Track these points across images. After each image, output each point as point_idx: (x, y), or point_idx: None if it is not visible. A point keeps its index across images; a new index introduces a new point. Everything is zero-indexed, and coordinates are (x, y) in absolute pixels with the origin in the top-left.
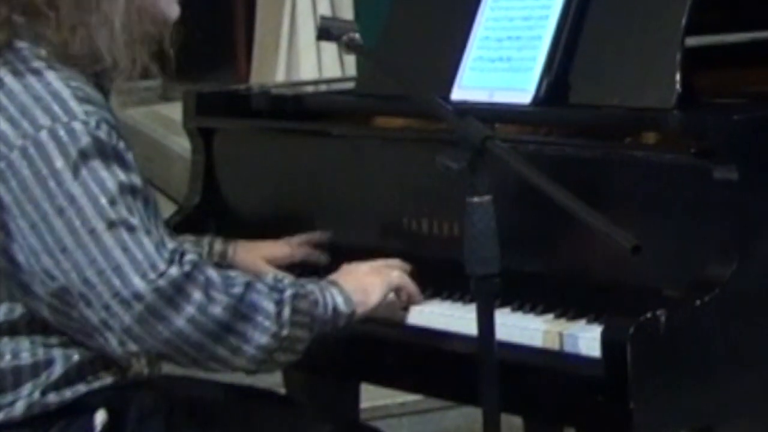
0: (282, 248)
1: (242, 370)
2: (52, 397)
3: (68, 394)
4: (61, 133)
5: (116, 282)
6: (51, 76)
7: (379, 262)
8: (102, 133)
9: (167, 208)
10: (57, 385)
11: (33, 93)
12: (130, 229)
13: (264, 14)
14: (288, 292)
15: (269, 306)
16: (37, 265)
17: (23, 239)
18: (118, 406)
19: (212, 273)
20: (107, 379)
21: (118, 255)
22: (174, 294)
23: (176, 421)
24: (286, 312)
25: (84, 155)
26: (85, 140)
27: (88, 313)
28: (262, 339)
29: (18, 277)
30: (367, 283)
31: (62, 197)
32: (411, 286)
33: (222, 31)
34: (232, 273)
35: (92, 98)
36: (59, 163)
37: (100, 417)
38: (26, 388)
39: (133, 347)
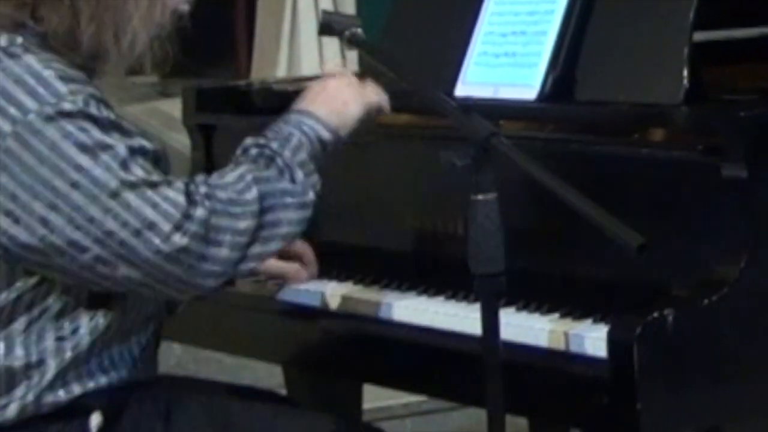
0: None
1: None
2: (46, 399)
3: (62, 395)
4: (52, 113)
5: (155, 239)
6: (30, 59)
7: (353, 83)
8: (93, 108)
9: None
10: (51, 386)
11: (14, 77)
12: (152, 185)
13: (265, 9)
14: (287, 157)
15: (285, 184)
16: (62, 241)
17: (41, 222)
18: (114, 409)
19: (222, 193)
20: (102, 379)
21: (150, 213)
22: (207, 232)
23: (174, 423)
24: (299, 175)
25: (82, 129)
26: (78, 116)
27: (131, 272)
28: (295, 214)
29: (32, 258)
30: (340, 106)
31: (73, 171)
32: (385, 101)
33: (222, 25)
34: (231, 175)
35: (75, 77)
36: (58, 140)
37: (96, 420)
38: (20, 390)
39: (192, 292)
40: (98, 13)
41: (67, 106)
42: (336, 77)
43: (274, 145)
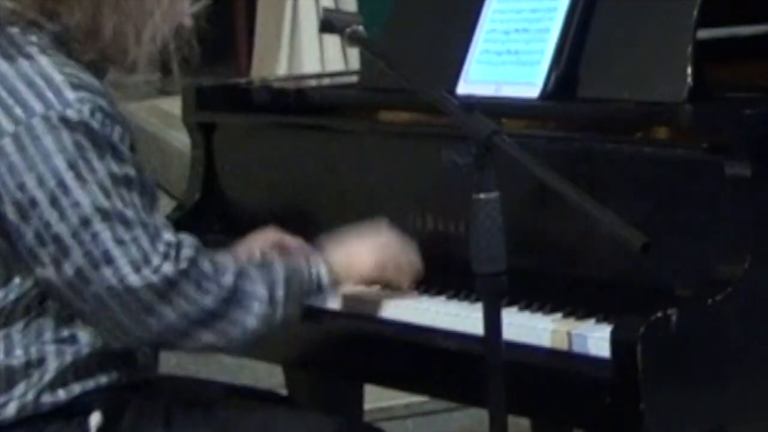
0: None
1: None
2: (46, 398)
3: (62, 394)
4: (55, 120)
5: (110, 275)
6: (44, 61)
7: (379, 240)
8: (95, 123)
9: (166, 205)
10: (51, 385)
11: (25, 78)
12: (125, 222)
13: (265, 6)
14: (279, 274)
15: (262, 291)
16: (26, 252)
17: (14, 227)
18: (114, 408)
19: (206, 266)
20: (102, 379)
21: (112, 248)
22: (167, 290)
23: (174, 424)
24: (279, 292)
25: (78, 145)
26: (78, 129)
27: (78, 301)
28: (253, 323)
29: (21, 258)
30: (354, 261)
31: (56, 186)
32: (404, 279)
33: (222, 23)
34: (223, 259)
35: (87, 84)
36: (52, 151)
37: (95, 419)
38: (19, 389)
39: (122, 338)
40: (120, 5)
41: (70, 114)
42: (369, 242)
43: (277, 263)
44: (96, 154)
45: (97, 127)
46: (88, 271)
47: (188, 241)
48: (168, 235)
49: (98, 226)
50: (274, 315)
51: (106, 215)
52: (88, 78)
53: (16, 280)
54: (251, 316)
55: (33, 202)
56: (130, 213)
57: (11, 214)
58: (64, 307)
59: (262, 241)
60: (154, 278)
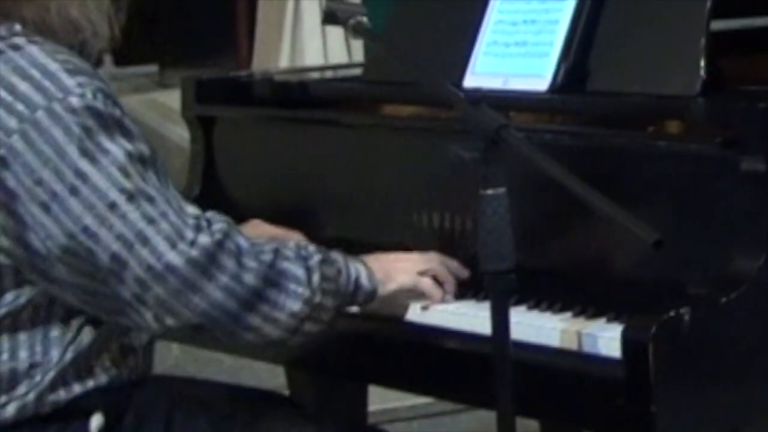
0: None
1: (275, 341)
2: (47, 399)
3: (63, 394)
4: (59, 110)
5: (147, 255)
6: (34, 50)
7: (422, 255)
8: (100, 104)
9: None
10: (52, 386)
11: (20, 71)
12: (150, 199)
13: None
14: (315, 258)
15: (299, 272)
16: (57, 249)
17: (39, 225)
18: (115, 409)
19: (242, 240)
20: (102, 378)
21: (144, 227)
22: (208, 263)
23: (175, 426)
24: (316, 278)
25: (86, 130)
26: (84, 114)
27: (119, 289)
28: (295, 305)
29: (36, 264)
30: (392, 269)
31: (73, 176)
32: (438, 294)
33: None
34: (260, 240)
35: (82, 69)
36: (63, 141)
37: (96, 421)
38: (20, 389)
39: (170, 321)
40: None
41: (74, 101)
42: (402, 256)
43: (312, 248)
44: (106, 134)
45: (102, 108)
46: (124, 255)
47: (219, 216)
48: (192, 209)
49: (125, 207)
50: (312, 299)
51: (130, 195)
52: (80, 62)
53: (26, 288)
54: (292, 299)
55: (54, 196)
56: (151, 190)
57: (35, 213)
58: (103, 302)
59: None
60: (193, 252)
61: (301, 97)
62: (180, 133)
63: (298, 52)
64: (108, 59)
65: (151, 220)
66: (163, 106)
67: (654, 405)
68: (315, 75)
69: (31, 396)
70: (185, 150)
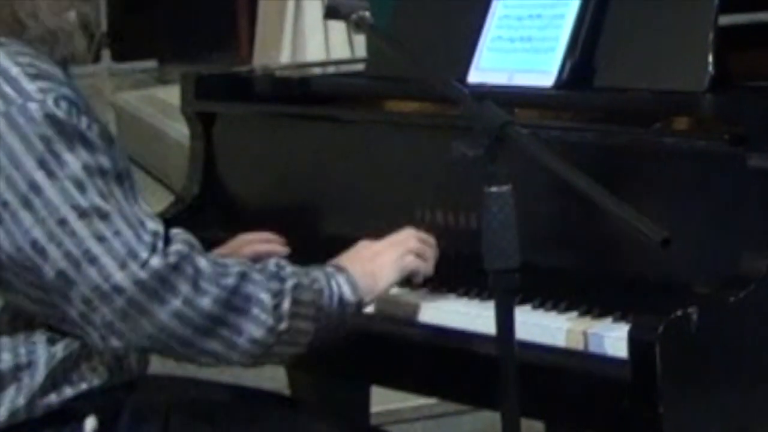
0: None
1: (238, 365)
2: (38, 403)
3: (54, 398)
4: (17, 117)
5: (94, 274)
6: None
7: (395, 238)
8: (61, 112)
9: (163, 199)
10: (42, 389)
11: None
12: (104, 216)
13: None
14: (289, 283)
15: (265, 297)
16: (6, 258)
17: None
18: (109, 412)
19: (203, 262)
20: (94, 380)
21: (93, 245)
22: (157, 287)
23: (174, 428)
24: (285, 304)
25: (45, 140)
26: (44, 123)
27: (66, 307)
28: (257, 332)
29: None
30: (376, 267)
31: (27, 188)
32: (425, 267)
33: (223, 8)
34: (228, 261)
35: (46, 73)
36: (20, 151)
37: (90, 424)
38: (9, 393)
39: (115, 343)
40: None
41: (33, 107)
42: (380, 245)
43: (290, 270)
44: (65, 145)
45: (62, 116)
46: (70, 273)
47: (181, 236)
48: (153, 225)
49: (75, 224)
50: (277, 326)
51: (82, 212)
52: (45, 65)
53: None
54: (254, 325)
55: (5, 205)
56: (108, 206)
57: None
58: (56, 314)
59: (243, 248)
60: (142, 274)
61: (303, 93)
62: (179, 130)
63: (300, 47)
64: (106, 54)
65: (101, 239)
66: (162, 102)
67: (661, 406)
68: (317, 70)
69: (22, 400)
70: (184, 147)
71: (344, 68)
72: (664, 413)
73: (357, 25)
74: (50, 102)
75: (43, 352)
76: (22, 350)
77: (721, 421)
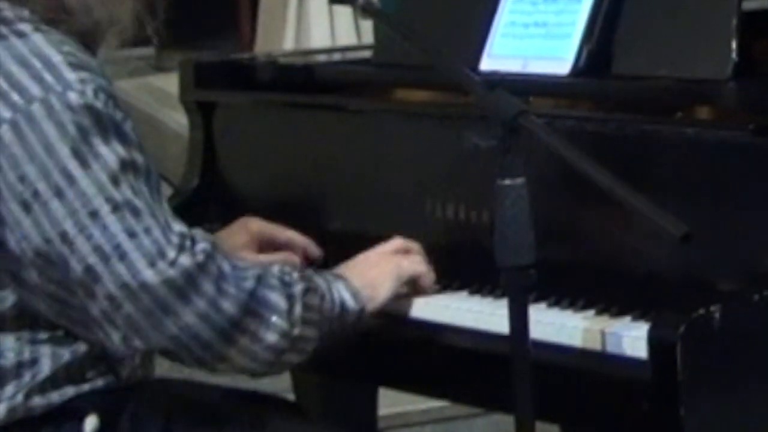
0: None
1: (250, 372)
2: (37, 401)
3: (55, 397)
4: (56, 105)
5: (123, 271)
6: (39, 39)
7: (388, 247)
8: (99, 103)
9: (162, 190)
10: (43, 387)
11: (20, 59)
12: (136, 212)
13: None
14: (298, 287)
15: (281, 302)
16: (31, 251)
17: (16, 224)
18: (110, 412)
19: (225, 264)
20: (98, 382)
21: (124, 241)
22: (185, 286)
23: (175, 430)
24: (298, 309)
25: (82, 130)
26: (82, 113)
27: (89, 303)
28: (273, 338)
29: (8, 265)
30: (374, 276)
31: (60, 177)
32: (423, 274)
33: None
34: (242, 263)
35: (86, 64)
36: (55, 139)
37: (90, 423)
38: (8, 390)
39: (137, 343)
40: None
41: (73, 97)
42: (376, 255)
43: (296, 276)
44: (101, 137)
45: (101, 108)
46: (99, 268)
47: (202, 235)
48: (179, 227)
49: (108, 218)
50: (291, 332)
51: (115, 205)
52: (85, 56)
53: (7, 290)
54: (270, 331)
55: (36, 195)
56: (139, 202)
57: (14, 210)
58: (70, 313)
59: (242, 235)
60: (172, 272)
61: (307, 81)
62: (178, 120)
63: (304, 33)
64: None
65: (132, 234)
66: (159, 91)
67: (682, 409)
68: (322, 58)
69: (20, 398)
70: (183, 138)
71: (350, 55)
72: (686, 416)
73: (364, 10)
74: (90, 92)
75: (48, 352)
76: (26, 348)
77: (744, 425)
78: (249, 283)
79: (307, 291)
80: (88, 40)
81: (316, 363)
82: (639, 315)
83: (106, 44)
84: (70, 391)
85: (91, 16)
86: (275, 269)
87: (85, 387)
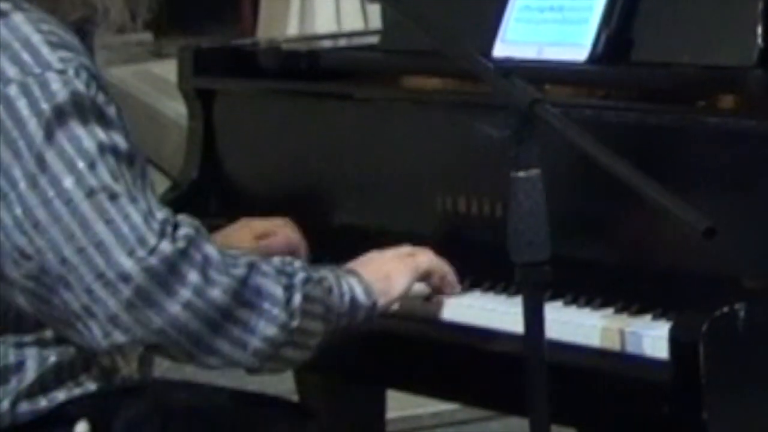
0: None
1: (245, 367)
2: (24, 407)
3: (43, 403)
4: (33, 86)
5: (99, 261)
6: (18, 18)
7: (405, 249)
8: (80, 84)
9: (159, 183)
10: (30, 393)
11: None
12: (113, 197)
13: None
14: (298, 276)
15: (277, 291)
16: (8, 243)
17: None
18: (102, 417)
19: (211, 250)
20: (90, 386)
21: (101, 229)
22: (167, 275)
23: None
24: (297, 299)
25: (59, 112)
26: (61, 94)
27: (67, 297)
28: (269, 329)
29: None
30: (390, 269)
31: (34, 163)
32: (444, 269)
33: None
34: (234, 252)
35: (68, 43)
36: (31, 122)
37: (81, 429)
38: None
39: (119, 338)
40: None
41: (52, 77)
42: (392, 252)
43: (298, 265)
44: (79, 119)
45: (81, 88)
46: (74, 260)
47: (188, 221)
48: (162, 213)
49: (82, 204)
50: (289, 323)
51: (90, 192)
52: (67, 35)
53: None
54: (265, 321)
55: (12, 183)
56: (118, 187)
57: None
58: (50, 310)
59: (241, 235)
60: (152, 260)
61: (312, 68)
62: (176, 108)
63: (308, 18)
64: None
65: (108, 221)
66: (158, 78)
67: (705, 411)
68: (327, 43)
69: (6, 404)
70: (182, 127)
71: (357, 41)
72: (708, 419)
73: None
74: (71, 72)
75: (34, 355)
76: (11, 351)
77: None
78: (240, 270)
79: (308, 281)
80: (82, 26)
81: (320, 362)
82: (660, 313)
83: (99, 30)
84: (59, 396)
85: (84, 1)
86: (275, 259)
87: (76, 391)
